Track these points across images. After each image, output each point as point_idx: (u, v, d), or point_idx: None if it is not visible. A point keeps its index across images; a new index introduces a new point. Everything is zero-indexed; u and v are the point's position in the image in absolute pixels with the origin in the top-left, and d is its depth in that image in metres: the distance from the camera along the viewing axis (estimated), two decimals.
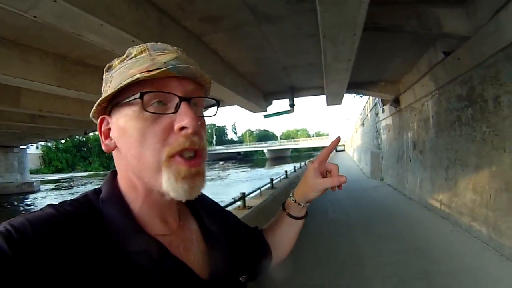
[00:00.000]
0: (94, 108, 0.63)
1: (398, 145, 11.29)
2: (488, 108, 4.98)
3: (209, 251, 0.69)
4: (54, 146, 58.09)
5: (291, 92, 11.11)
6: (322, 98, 11.29)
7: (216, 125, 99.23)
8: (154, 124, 0.58)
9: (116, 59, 0.65)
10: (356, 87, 10.89)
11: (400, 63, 8.43)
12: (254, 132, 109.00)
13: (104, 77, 0.66)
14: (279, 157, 69.10)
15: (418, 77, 8.09)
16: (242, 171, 42.94)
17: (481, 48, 4.79)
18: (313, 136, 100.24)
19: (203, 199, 0.83)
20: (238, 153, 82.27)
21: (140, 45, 0.63)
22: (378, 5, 5.30)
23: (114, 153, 0.65)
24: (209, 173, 38.74)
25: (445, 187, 6.81)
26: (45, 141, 29.46)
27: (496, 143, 4.81)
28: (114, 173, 0.68)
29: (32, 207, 19.47)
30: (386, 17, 5.39)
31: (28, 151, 31.67)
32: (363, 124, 22.54)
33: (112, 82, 0.61)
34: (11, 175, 24.64)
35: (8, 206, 19.48)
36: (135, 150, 0.59)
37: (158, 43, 0.65)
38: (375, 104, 14.80)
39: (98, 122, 0.65)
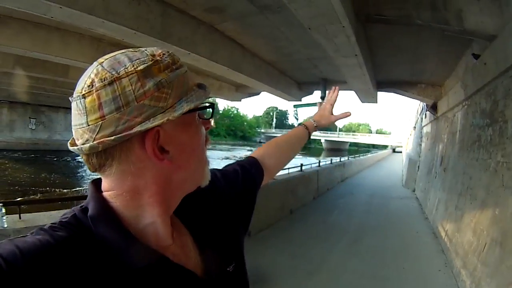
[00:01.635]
0: (167, 118, 0.51)
1: (431, 156, 9.63)
2: (508, 131, 3.62)
3: (202, 251, 0.66)
4: None
5: (323, 84, 10.15)
6: (389, 95, 10.23)
7: (278, 108, 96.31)
8: (202, 129, 0.62)
9: (152, 63, 0.52)
10: (391, 86, 9.53)
11: (437, 64, 6.93)
12: None
13: (147, 82, 0.51)
14: (336, 149, 65.07)
15: (455, 83, 6.53)
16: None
17: (506, 51, 3.42)
18: (375, 133, 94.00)
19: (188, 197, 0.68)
20: None
21: (172, 53, 0.56)
22: None
23: (146, 168, 0.54)
24: None
25: (453, 216, 5.43)
26: None
27: (507, 179, 3.49)
28: (97, 186, 0.57)
29: (82, 163, 20.70)
30: (393, 7, 4.25)
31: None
32: (414, 128, 20.13)
33: (174, 91, 0.53)
34: (68, 134, 25.17)
35: (62, 161, 21.04)
36: (199, 154, 0.61)
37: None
38: (423, 108, 12.89)
39: (149, 137, 0.52)
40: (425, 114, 11.10)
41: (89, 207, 0.55)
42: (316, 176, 10.83)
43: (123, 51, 0.54)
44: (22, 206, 3.57)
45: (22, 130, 23.87)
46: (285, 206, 7.79)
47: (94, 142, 0.49)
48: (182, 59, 0.56)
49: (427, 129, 11.10)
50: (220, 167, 0.93)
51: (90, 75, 0.50)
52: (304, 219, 7.57)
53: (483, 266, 3.55)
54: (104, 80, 0.49)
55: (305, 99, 11.84)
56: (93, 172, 0.54)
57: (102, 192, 0.56)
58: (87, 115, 0.50)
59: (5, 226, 3.52)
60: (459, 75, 6.19)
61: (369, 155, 32.10)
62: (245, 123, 79.88)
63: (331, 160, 15.29)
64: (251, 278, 0.78)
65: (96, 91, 0.49)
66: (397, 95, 10.29)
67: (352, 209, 9.19)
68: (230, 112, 77.56)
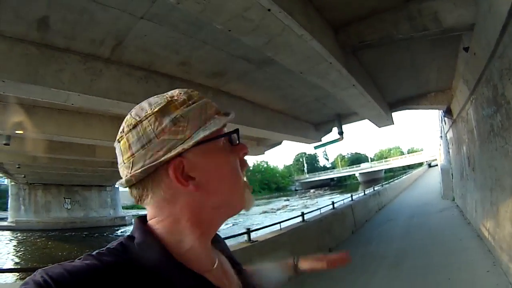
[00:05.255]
0: (183, 147, 0.55)
1: (460, 160, 9.02)
2: None
3: (240, 279, 0.69)
4: None
5: (338, 119, 10.11)
6: (414, 113, 10.03)
7: (307, 153, 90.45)
8: (235, 155, 0.62)
9: (166, 103, 0.58)
10: (403, 104, 9.35)
11: (438, 69, 6.78)
12: (345, 157, 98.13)
13: (164, 119, 0.56)
14: (372, 180, 61.51)
15: (459, 81, 6.32)
16: (330, 198, 37.42)
17: (486, 34, 3.34)
18: (407, 153, 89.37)
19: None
20: (331, 179, 74.56)
21: (191, 90, 0.62)
22: (361, 20, 4.34)
23: (177, 195, 0.57)
24: (296, 203, 36.71)
25: (491, 213, 4.96)
26: None
27: None
28: (142, 219, 0.62)
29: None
30: (373, 31, 4.30)
31: (124, 189, 33.91)
32: (441, 137, 19.16)
33: (190, 123, 0.56)
34: (104, 210, 25.99)
35: (100, 236, 20.77)
36: (231, 180, 0.60)
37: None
38: (441, 115, 12.36)
39: (172, 167, 0.55)
40: (444, 121, 10.63)
41: (135, 235, 0.58)
42: (351, 210, 10.28)
43: (148, 98, 0.61)
44: None
45: (58, 210, 24.12)
46: (322, 246, 7.40)
47: (129, 176, 0.56)
48: None
49: (449, 134, 10.56)
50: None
51: (123, 123, 0.59)
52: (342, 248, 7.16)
53: None
54: (130, 125, 0.57)
55: (325, 138, 11.58)
56: (137, 204, 0.60)
57: (146, 224, 0.60)
58: (122, 155, 0.58)
59: None
60: (461, 72, 6.01)
61: (404, 177, 30.13)
62: (277, 174, 77.80)
63: (364, 191, 14.56)
64: None
65: (125, 135, 0.57)
66: (412, 110, 10.04)
67: (392, 234, 8.59)
68: (260, 167, 75.93)
